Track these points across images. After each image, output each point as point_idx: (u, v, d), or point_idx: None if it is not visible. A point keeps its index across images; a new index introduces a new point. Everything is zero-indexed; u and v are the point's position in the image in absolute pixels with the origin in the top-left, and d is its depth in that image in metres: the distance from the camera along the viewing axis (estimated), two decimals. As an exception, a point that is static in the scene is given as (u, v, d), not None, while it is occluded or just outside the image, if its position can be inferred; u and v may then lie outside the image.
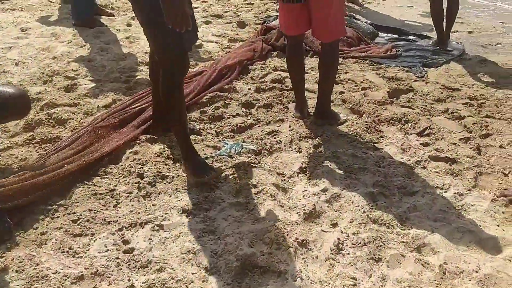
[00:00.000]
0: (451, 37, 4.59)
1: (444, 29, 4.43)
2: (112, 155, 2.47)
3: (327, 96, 2.87)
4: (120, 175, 2.33)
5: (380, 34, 4.77)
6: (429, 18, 4.57)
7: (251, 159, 2.50)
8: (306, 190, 2.29)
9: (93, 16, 4.60)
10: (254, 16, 5.31)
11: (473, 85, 3.61)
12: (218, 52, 4.15)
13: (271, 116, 2.98)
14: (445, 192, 2.31)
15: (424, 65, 3.98)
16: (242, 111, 3.02)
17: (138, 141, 2.61)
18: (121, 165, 2.41)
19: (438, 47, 4.41)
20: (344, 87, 3.46)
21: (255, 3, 5.88)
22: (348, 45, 4.22)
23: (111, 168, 2.38)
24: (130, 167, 2.39)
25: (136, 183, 2.27)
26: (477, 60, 4.17)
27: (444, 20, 4.36)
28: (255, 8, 5.69)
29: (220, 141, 2.68)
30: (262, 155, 2.57)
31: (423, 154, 2.62)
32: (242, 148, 2.57)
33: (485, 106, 3.24)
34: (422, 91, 3.46)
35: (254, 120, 2.93)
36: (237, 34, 4.67)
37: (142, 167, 2.39)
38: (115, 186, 2.26)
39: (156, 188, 2.26)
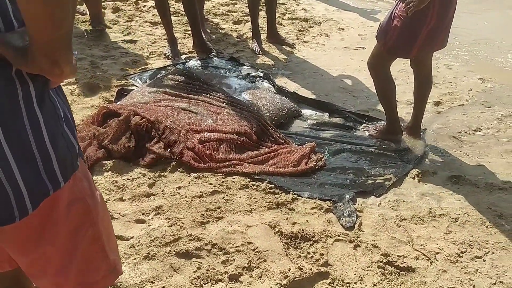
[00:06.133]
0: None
1: (412, 116, 2.87)
2: None
3: None
4: None
5: (303, 112, 3.12)
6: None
7: None
8: None
9: None
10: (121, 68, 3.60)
11: (437, 253, 2.02)
12: None
13: None
14: None
15: (359, 191, 2.38)
16: None
17: None
18: None
19: (384, 144, 2.82)
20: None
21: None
22: (240, 147, 2.56)
23: None
24: None
25: None
26: (446, 175, 2.58)
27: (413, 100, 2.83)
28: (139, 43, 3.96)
29: None
30: None
31: None
32: None
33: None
34: None
35: None
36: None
37: None
38: None
39: None
